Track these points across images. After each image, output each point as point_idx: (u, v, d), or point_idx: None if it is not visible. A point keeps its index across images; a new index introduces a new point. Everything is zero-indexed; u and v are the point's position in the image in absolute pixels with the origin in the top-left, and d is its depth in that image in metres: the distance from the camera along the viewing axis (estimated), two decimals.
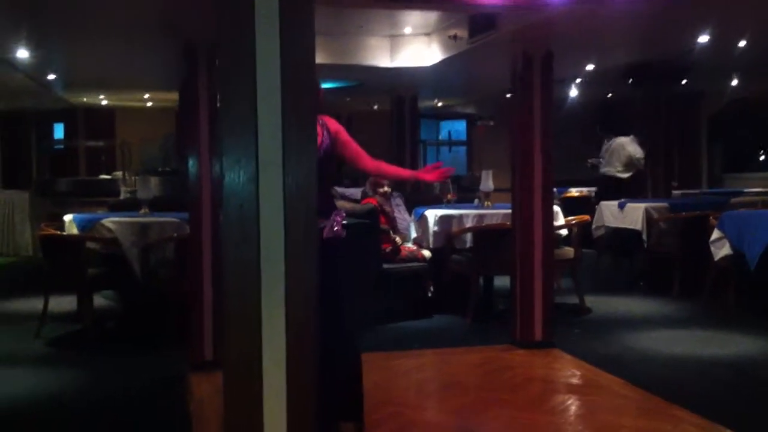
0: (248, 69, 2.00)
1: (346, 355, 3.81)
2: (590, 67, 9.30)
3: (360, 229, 6.38)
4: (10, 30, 7.21)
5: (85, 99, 14.04)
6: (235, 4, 2.02)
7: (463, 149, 17.58)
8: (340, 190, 7.62)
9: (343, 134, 3.90)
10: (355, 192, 7.73)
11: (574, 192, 12.36)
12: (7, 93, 11.58)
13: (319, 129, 3.78)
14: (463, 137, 17.26)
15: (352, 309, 3.95)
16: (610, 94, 13.56)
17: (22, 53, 8.29)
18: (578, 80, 10.77)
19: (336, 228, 3.74)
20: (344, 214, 3.85)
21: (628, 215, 8.75)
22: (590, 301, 7.47)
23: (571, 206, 10.53)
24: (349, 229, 3.86)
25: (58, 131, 16.66)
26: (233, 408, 2.13)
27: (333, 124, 3.89)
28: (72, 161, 15.97)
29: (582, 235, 7.75)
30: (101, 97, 13.95)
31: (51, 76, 10.54)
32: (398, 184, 8.30)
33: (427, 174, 4.06)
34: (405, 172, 4.50)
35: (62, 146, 16.71)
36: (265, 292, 2.03)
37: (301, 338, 2.06)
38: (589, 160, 12.17)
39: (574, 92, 11.95)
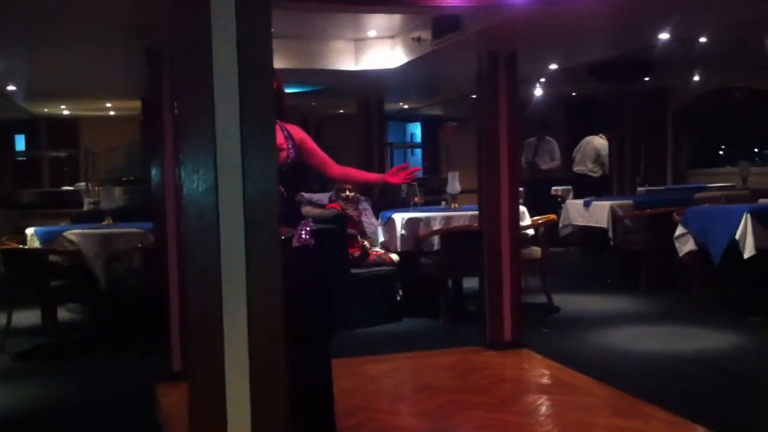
0: (205, 76, 1.97)
1: (316, 362, 3.78)
2: (554, 66, 9.36)
3: (327, 234, 6.37)
4: None
5: (46, 109, 13.85)
6: (191, 10, 1.98)
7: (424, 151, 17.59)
8: (307, 195, 7.58)
9: (308, 142, 3.88)
10: (323, 197, 7.70)
11: None
12: None
13: (284, 140, 3.75)
14: (426, 139, 17.24)
15: (321, 315, 3.93)
16: (574, 93, 13.66)
17: None
18: (543, 80, 10.83)
19: (305, 237, 3.73)
20: (312, 223, 3.83)
21: (593, 213, 8.82)
22: (559, 299, 7.51)
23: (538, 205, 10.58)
24: (317, 235, 3.84)
25: (20, 142, 16.43)
26: (197, 419, 2.10)
27: (297, 133, 3.86)
28: (35, 172, 15.74)
29: (549, 234, 7.80)
30: (63, 107, 13.77)
31: (10, 87, 10.37)
32: (365, 188, 8.27)
33: (393, 176, 4.07)
34: (372, 176, 4.49)
35: (24, 157, 16.47)
36: (226, 300, 2.00)
37: (264, 347, 2.04)
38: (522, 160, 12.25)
39: (539, 91, 12.02)
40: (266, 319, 2.05)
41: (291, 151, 3.75)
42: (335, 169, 3.98)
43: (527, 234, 7.40)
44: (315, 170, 3.98)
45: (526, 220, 7.39)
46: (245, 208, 2.00)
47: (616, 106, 13.00)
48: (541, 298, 7.41)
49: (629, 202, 8.94)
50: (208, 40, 1.96)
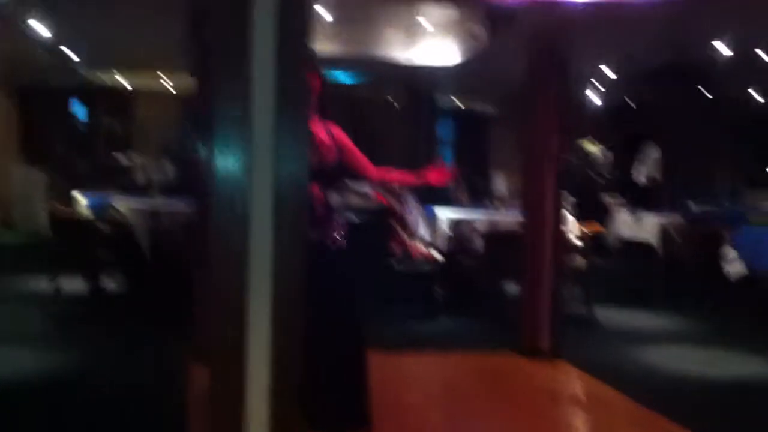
0: (243, 55, 1.95)
1: (350, 352, 3.76)
2: (608, 69, 9.18)
3: (368, 228, 6.36)
4: (33, 4, 7.22)
5: (106, 80, 14.09)
6: None
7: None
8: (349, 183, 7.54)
9: (347, 141, 3.81)
10: (364, 185, 7.65)
11: None
12: (28, 69, 11.61)
13: (326, 137, 3.70)
14: (472, 136, 16.93)
15: (357, 308, 3.89)
16: (627, 98, 13.35)
17: (43, 29, 8.28)
18: (597, 84, 10.65)
19: (337, 235, 3.69)
20: (344, 222, 3.79)
21: (642, 227, 8.64)
22: (600, 312, 7.37)
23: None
24: (358, 228, 3.81)
25: (79, 111, 16.72)
26: (217, 399, 2.10)
27: (337, 131, 3.80)
28: (91, 141, 16.01)
29: (595, 244, 7.65)
30: (120, 77, 14.02)
31: (72, 55, 10.55)
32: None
33: (432, 177, 3.98)
34: (410, 177, 4.37)
35: (82, 126, 16.77)
36: (252, 280, 1.98)
37: (286, 333, 2.02)
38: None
39: (590, 94, 11.84)
40: (290, 301, 2.02)
41: (332, 146, 3.71)
42: (373, 171, 3.90)
43: (572, 242, 7.28)
44: (352, 170, 3.90)
45: (572, 227, 7.27)
46: (276, 189, 1.97)
47: (669, 115, 12.69)
48: (583, 309, 7.28)
49: (679, 217, 8.74)
50: (249, 20, 1.93)
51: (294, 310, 2.05)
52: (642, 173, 11.64)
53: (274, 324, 2.02)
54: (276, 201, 2.00)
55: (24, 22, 8.00)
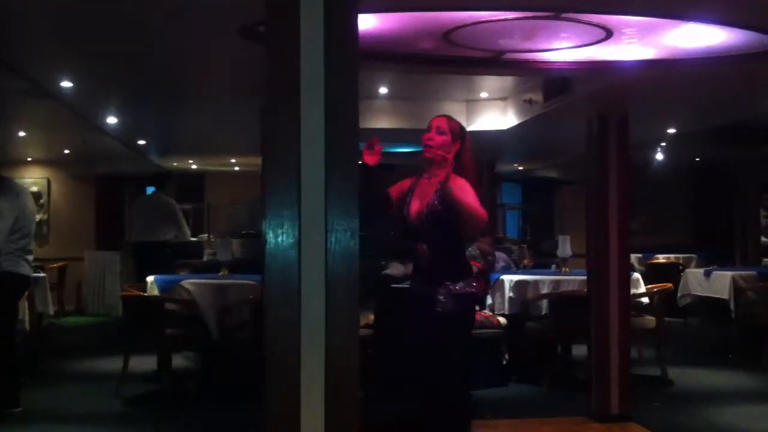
0: (292, 133, 2.04)
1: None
2: (673, 130, 9.11)
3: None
4: (100, 96, 7.57)
5: (175, 163, 14.56)
6: (282, 69, 2.06)
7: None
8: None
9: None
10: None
11: (660, 258, 11.99)
12: (99, 157, 12.12)
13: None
14: (537, 200, 16.93)
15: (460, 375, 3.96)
16: (698, 158, 13.22)
17: (112, 119, 8.68)
18: (663, 144, 10.56)
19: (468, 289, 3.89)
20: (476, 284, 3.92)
21: (714, 284, 8.42)
22: (674, 372, 7.15)
23: (657, 273, 10.22)
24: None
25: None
26: None
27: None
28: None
29: (666, 303, 7.48)
30: (191, 161, 14.46)
31: (141, 142, 10.99)
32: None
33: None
34: None
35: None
36: (304, 355, 2.02)
37: (341, 404, 2.04)
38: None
39: (660, 156, 11.73)
40: (343, 375, 2.05)
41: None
42: None
43: (641, 302, 7.14)
44: None
45: (640, 287, 7.14)
46: (327, 264, 2.03)
47: (740, 172, 12.51)
48: (655, 370, 7.08)
49: (752, 273, 8.51)
50: (297, 97, 2.03)
51: (348, 378, 2.08)
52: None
53: (328, 395, 2.05)
54: (327, 273, 2.05)
55: (99, 115, 8.42)
